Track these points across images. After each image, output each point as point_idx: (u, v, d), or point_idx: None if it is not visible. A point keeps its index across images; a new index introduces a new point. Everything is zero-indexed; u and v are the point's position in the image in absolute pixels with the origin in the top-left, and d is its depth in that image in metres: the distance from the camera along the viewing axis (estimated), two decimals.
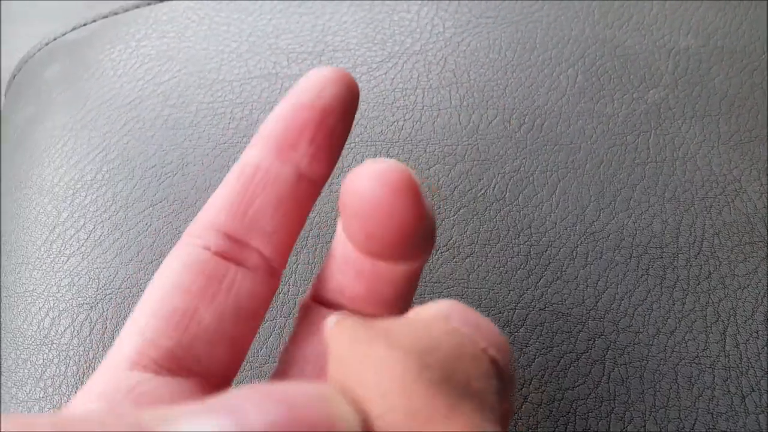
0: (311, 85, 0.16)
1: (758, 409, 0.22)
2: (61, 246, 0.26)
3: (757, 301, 0.24)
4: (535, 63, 0.30)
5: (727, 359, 0.23)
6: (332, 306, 0.17)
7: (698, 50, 0.30)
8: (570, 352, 0.23)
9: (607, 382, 0.22)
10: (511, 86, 0.29)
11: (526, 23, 0.31)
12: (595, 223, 0.26)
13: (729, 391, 0.22)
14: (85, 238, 0.26)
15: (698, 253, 0.24)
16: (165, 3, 0.34)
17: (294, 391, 0.09)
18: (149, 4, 0.35)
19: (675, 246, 0.25)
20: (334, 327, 0.11)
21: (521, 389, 0.23)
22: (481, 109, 0.29)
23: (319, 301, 0.17)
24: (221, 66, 0.31)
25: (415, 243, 0.14)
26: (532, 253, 0.25)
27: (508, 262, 0.25)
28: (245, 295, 0.15)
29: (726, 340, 0.23)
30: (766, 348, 0.23)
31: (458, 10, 0.32)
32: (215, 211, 0.16)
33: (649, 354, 0.23)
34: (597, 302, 0.24)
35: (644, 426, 0.22)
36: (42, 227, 0.27)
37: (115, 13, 0.36)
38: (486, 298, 0.24)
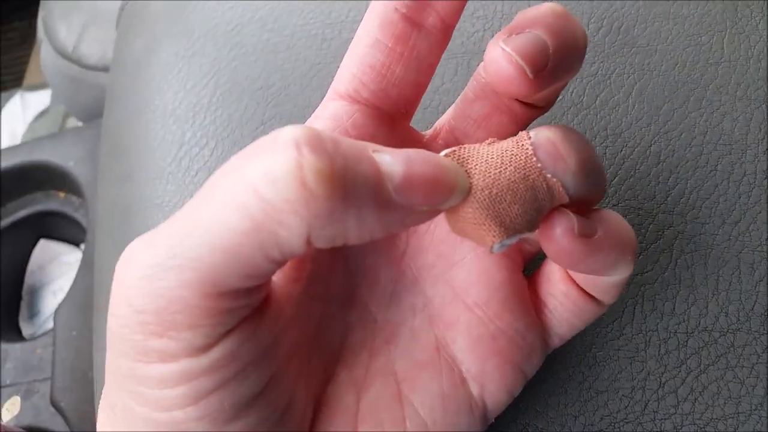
0: None
1: None
2: (189, 162, 0.31)
3: None
4: None
5: None
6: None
7: None
8: (640, 243, 0.26)
9: (674, 268, 0.25)
10: None
11: None
12: (669, 123, 0.27)
13: None
14: (209, 155, 0.30)
15: (767, 149, 0.26)
16: None
17: (441, 158, 0.16)
18: None
19: (744, 142, 0.26)
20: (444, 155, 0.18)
21: None
22: None
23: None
24: None
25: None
26: (607, 153, 0.27)
27: None
28: (424, 52, 0.20)
29: None
30: None
31: None
32: None
33: (714, 242, 0.25)
34: (667, 197, 0.26)
35: (706, 307, 0.24)
36: (170, 146, 0.32)
37: None
38: None
